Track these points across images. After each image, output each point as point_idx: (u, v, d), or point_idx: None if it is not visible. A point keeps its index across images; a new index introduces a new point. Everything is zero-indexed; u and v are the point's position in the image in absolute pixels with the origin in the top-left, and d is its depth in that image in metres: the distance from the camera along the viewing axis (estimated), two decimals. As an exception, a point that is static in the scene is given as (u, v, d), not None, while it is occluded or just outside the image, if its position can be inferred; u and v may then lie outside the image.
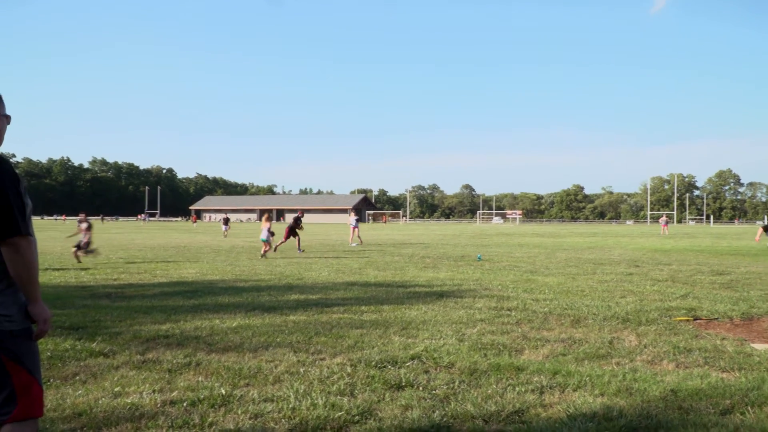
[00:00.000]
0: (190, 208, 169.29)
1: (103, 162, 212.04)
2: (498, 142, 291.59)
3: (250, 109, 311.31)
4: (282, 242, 24.77)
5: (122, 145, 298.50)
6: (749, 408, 4.85)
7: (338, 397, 5.15)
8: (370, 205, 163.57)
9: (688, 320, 8.51)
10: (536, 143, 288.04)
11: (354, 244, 30.53)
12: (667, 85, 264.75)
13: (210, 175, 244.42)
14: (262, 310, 9.31)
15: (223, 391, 5.23)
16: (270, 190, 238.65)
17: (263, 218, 22.01)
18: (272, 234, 21.47)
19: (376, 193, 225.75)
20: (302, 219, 25.94)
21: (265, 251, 21.23)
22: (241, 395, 5.17)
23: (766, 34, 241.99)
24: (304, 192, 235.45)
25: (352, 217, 32.45)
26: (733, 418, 4.65)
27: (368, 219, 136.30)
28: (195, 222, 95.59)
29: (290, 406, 4.91)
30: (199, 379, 5.62)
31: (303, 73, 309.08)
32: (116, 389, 5.30)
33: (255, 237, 39.44)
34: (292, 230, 25.04)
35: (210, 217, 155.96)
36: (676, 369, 6.05)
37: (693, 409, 4.85)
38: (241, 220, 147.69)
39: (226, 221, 45.84)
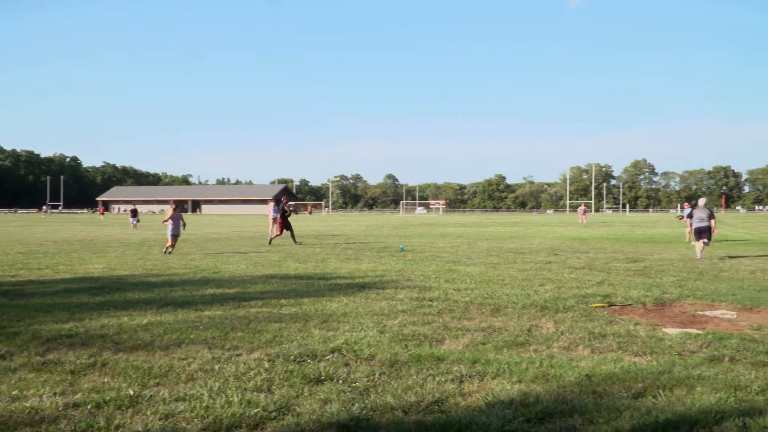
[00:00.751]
0: (98, 199, 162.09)
1: (0, 150, 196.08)
2: (421, 132, 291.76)
3: (164, 95, 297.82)
4: (277, 235, 23.88)
5: (21, 132, 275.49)
6: (660, 391, 4.97)
7: (255, 393, 4.98)
8: (292, 196, 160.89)
9: (603, 307, 8.74)
10: (459, 133, 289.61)
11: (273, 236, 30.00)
12: (585, 77, 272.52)
13: (119, 164, 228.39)
14: (175, 305, 8.97)
15: (131, 392, 4.97)
16: (185, 180, 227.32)
17: (170, 209, 19.64)
18: (184, 226, 19.58)
19: (298, 183, 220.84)
20: (289, 205, 24.45)
21: (170, 247, 18.97)
22: (151, 395, 4.92)
23: (676, 22, 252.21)
24: (221, 182, 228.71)
25: (271, 207, 31.74)
26: (645, 401, 4.75)
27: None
28: (103, 214, 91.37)
29: (203, 404, 4.70)
30: (105, 379, 5.33)
31: (220, 61, 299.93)
32: (14, 393, 4.95)
33: (166, 229, 37.88)
34: (286, 221, 23.85)
35: (119, 208, 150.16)
36: (591, 354, 6.17)
37: (607, 393, 4.93)
38: (153, 212, 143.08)
39: (134, 213, 41.65)
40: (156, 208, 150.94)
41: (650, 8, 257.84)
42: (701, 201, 17.57)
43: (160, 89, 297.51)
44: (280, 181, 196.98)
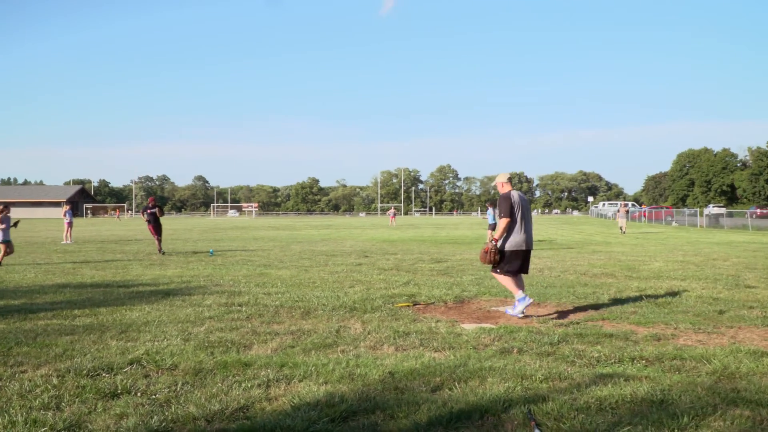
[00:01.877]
0: None
1: None
2: (231, 132, 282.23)
3: None
4: (158, 241, 20.48)
5: None
6: (456, 383, 5.28)
7: (42, 411, 4.59)
8: (89, 198, 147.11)
9: (408, 306, 9.12)
10: (271, 134, 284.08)
11: (68, 242, 27.77)
12: (391, 83, 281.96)
13: None
14: (-51, 320, 7.99)
15: None
16: None
17: None
18: (16, 225, 16.67)
19: (96, 183, 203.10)
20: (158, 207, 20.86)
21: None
22: None
23: (475, 34, 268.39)
24: (7, 182, 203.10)
25: (66, 211, 29.32)
26: (442, 394, 5.02)
27: (87, 213, 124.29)
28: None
29: (-22, 429, 4.23)
30: None
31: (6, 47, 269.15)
32: None
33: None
34: (158, 222, 20.65)
35: None
36: (395, 352, 6.40)
37: (408, 388, 5.14)
38: None
39: None
40: None
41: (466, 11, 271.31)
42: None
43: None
44: (76, 182, 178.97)
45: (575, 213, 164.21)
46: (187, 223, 67.99)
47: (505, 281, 8.47)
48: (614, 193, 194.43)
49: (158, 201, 24.07)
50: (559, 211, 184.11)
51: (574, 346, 6.64)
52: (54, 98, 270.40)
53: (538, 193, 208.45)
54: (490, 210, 23.78)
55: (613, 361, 6.07)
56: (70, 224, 28.32)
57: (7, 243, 16.20)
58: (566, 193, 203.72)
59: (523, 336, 7.11)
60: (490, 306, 9.33)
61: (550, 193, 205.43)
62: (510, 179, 8.63)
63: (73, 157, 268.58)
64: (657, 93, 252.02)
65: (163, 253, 20.02)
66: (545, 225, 55.90)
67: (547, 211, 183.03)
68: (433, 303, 9.45)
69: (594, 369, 5.78)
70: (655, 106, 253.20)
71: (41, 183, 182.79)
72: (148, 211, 21.00)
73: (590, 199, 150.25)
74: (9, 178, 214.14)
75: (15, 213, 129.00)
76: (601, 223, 62.44)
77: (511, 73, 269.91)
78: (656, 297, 10.11)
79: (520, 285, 8.49)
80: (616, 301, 9.69)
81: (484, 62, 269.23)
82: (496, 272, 8.49)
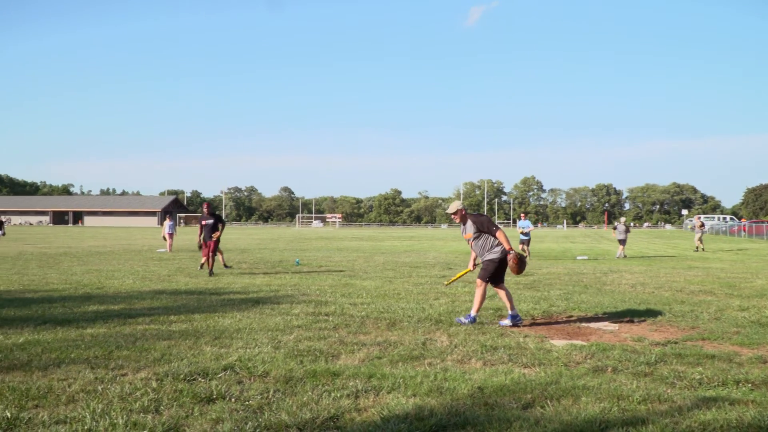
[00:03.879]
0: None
1: None
2: (317, 144, 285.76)
3: (41, 96, 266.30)
4: (206, 260, 17.00)
5: None
6: (548, 402, 5.14)
7: (141, 414, 4.76)
8: (182, 208, 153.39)
9: (457, 279, 9.01)
10: (356, 146, 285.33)
11: (163, 250, 28.68)
12: (476, 94, 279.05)
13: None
14: (55, 323, 8.46)
15: (8, 414, 4.65)
16: (65, 190, 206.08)
17: None
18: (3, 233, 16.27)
19: (189, 194, 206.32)
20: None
21: None
22: (29, 418, 4.63)
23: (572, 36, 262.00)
24: (106, 192, 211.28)
25: (167, 222, 30.16)
26: (534, 412, 4.89)
27: (180, 222, 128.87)
28: None
29: (86, 427, 4.45)
30: (-25, 404, 4.93)
31: (104, 64, 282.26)
32: None
33: (45, 242, 36.11)
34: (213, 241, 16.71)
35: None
36: (483, 367, 6.31)
37: (498, 404, 5.05)
38: (30, 223, 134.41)
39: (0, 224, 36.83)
40: (33, 219, 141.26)
41: (548, 22, 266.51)
42: (622, 219, 25.21)
43: (35, 89, 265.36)
44: (170, 192, 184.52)
45: (667, 227, 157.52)
46: (273, 233, 69.74)
47: (480, 293, 8.73)
48: (710, 206, 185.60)
49: (214, 209, 22.58)
50: (650, 224, 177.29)
51: (673, 367, 6.35)
52: (148, 108, 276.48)
53: (627, 206, 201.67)
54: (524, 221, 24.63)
55: (716, 383, 5.77)
56: (171, 235, 28.59)
57: None
58: (658, 206, 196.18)
59: (617, 354, 6.87)
60: (580, 322, 9.06)
61: (640, 205, 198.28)
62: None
63: (168, 169, 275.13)
64: (757, 100, 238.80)
65: (212, 275, 15.51)
66: (637, 239, 54.01)
67: (636, 224, 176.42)
68: (522, 318, 9.28)
69: (696, 392, 5.51)
70: (757, 113, 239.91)
71: (138, 193, 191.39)
72: (203, 222, 16.15)
73: (684, 212, 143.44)
74: (108, 189, 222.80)
75: (112, 221, 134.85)
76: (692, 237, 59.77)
77: (598, 81, 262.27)
78: (760, 316, 9.55)
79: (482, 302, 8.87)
80: (717, 321, 9.22)
81: (569, 71, 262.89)
82: (485, 281, 8.77)
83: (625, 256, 25.65)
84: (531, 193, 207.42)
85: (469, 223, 8.84)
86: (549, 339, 7.80)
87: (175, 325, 8.39)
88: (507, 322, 8.63)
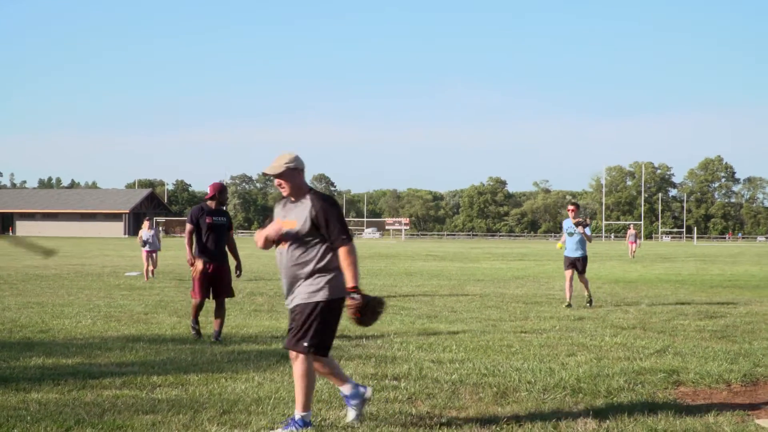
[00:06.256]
0: None
1: None
2: (370, 108, 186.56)
3: None
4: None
5: None
6: None
7: None
8: (162, 207, 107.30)
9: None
10: (432, 108, 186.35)
11: (136, 273, 20.86)
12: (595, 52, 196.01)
13: None
14: (-14, 383, 5.88)
15: None
16: None
17: None
18: None
19: (171, 186, 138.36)
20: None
21: None
22: None
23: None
24: (46, 184, 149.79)
25: (144, 232, 19.79)
26: None
27: (160, 230, 65.14)
28: None
29: None
30: None
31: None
32: None
33: None
34: (222, 256, 11.89)
35: None
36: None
37: None
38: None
39: None
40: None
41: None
42: None
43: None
44: (143, 184, 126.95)
45: None
46: None
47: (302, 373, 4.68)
48: None
49: (225, 198, 8.65)
50: None
51: None
52: (110, 58, 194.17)
53: None
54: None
55: None
56: (150, 253, 19.30)
57: None
58: None
59: None
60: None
61: None
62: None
63: (139, 148, 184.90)
64: None
65: (219, 339, 8.53)
66: None
67: None
68: (709, 384, 6.31)
69: None
70: None
71: (95, 185, 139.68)
72: (208, 221, 8.54)
73: None
74: (50, 179, 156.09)
75: (57, 228, 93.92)
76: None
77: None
78: None
79: None
80: None
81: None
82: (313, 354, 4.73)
83: None
84: (716, 185, 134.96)
85: (304, 203, 4.66)
86: (753, 417, 5.13)
87: (160, 391, 5.68)
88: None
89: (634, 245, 38.31)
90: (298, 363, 4.56)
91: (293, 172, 4.64)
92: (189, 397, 5.45)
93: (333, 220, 4.56)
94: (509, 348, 8.12)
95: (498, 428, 4.70)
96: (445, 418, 4.95)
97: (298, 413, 4.59)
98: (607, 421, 4.88)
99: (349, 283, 4.50)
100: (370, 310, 4.60)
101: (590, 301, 13.18)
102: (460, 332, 9.64)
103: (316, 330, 4.50)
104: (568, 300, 12.94)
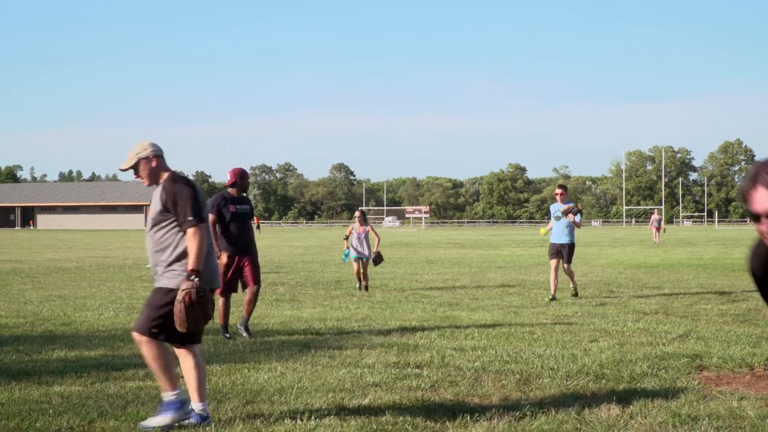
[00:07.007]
0: None
1: None
2: (389, 96, 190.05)
3: None
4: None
5: None
6: None
7: None
8: None
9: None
10: (448, 95, 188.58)
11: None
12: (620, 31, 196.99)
13: None
14: (8, 376, 5.92)
15: None
16: (11, 175, 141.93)
17: None
18: None
19: (192, 176, 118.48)
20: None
21: None
22: None
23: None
24: (67, 178, 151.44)
25: (355, 226, 16.66)
26: None
27: None
28: None
29: None
30: None
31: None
32: None
33: None
34: (249, 248, 11.90)
35: None
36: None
37: None
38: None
39: None
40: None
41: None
42: None
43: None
44: None
45: None
46: (324, 237, 53.11)
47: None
48: None
49: (247, 180, 8.38)
50: None
51: None
52: (129, 52, 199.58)
53: None
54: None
55: None
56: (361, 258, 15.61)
57: None
58: None
59: None
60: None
61: None
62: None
63: (159, 139, 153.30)
64: None
65: (249, 332, 8.27)
66: None
67: None
68: (732, 369, 6.35)
69: None
70: None
71: (114, 178, 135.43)
72: (232, 209, 8.14)
73: None
74: (70, 172, 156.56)
75: (78, 221, 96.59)
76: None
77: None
78: None
79: None
80: None
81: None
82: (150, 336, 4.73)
83: None
84: (736, 168, 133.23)
85: (159, 188, 4.69)
86: (777, 402, 5.17)
87: (183, 382, 5.74)
88: (187, 417, 4.60)
89: (657, 230, 37.25)
90: (143, 346, 4.55)
91: (144, 161, 4.64)
92: (212, 387, 5.46)
93: (181, 202, 4.49)
94: (531, 335, 8.14)
95: (521, 415, 4.73)
96: (470, 404, 5.00)
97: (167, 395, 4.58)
98: (631, 406, 4.93)
99: (190, 265, 4.41)
100: (202, 305, 4.40)
101: (576, 294, 12.20)
102: (482, 319, 9.63)
103: (164, 316, 4.43)
104: (552, 293, 11.86)
